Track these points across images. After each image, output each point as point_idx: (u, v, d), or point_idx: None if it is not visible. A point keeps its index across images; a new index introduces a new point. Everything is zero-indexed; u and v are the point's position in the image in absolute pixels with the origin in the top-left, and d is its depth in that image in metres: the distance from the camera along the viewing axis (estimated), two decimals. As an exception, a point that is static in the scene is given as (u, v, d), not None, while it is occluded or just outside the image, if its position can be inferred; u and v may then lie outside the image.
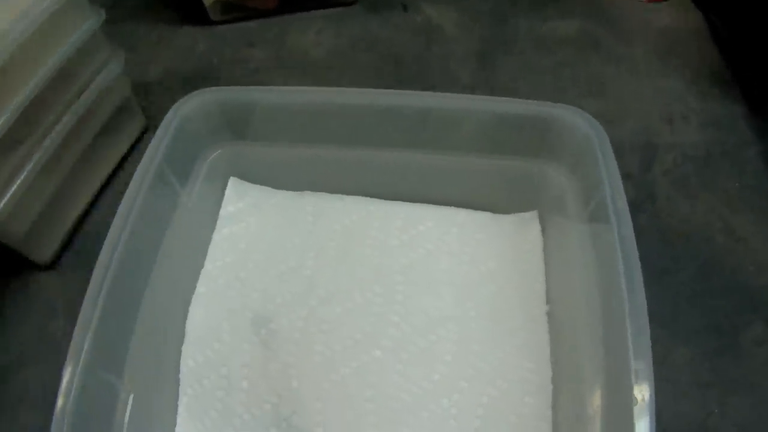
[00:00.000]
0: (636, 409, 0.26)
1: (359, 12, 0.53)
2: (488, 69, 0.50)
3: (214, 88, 0.36)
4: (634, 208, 0.42)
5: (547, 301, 0.36)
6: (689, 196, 0.44)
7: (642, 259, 0.38)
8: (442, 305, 0.35)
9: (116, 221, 0.31)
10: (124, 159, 0.45)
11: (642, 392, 0.26)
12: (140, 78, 0.51)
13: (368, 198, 0.40)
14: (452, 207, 0.39)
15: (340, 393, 0.32)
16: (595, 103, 0.48)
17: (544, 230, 0.38)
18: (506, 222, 0.39)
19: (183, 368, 0.33)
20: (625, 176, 0.44)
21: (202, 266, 0.37)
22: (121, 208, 0.31)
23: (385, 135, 0.36)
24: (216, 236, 0.38)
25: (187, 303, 0.35)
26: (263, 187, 0.40)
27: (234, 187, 0.39)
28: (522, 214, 0.39)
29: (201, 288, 0.36)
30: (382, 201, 0.39)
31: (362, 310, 0.35)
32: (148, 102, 0.49)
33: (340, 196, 0.40)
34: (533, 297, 0.36)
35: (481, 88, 0.49)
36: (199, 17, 0.53)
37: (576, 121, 0.34)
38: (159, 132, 0.34)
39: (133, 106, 0.45)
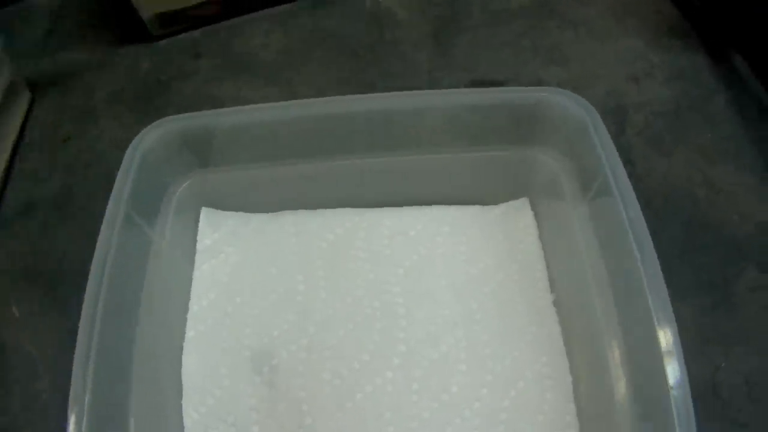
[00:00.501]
0: (673, 394, 0.25)
1: (305, 7, 0.51)
2: (445, 49, 0.49)
3: (172, 117, 0.33)
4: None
5: (552, 290, 0.35)
6: (665, 153, 0.43)
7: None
8: (445, 312, 0.34)
9: (91, 280, 0.28)
10: (22, 129, 0.47)
11: (674, 371, 0.26)
12: (85, 106, 0.48)
13: (351, 209, 0.38)
14: (440, 206, 0.38)
15: (357, 421, 0.31)
16: (559, 71, 0.47)
17: (538, 217, 0.37)
18: (497, 212, 0.37)
19: (186, 422, 0.31)
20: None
21: (187, 309, 0.35)
22: (94, 265, 0.29)
23: (361, 141, 0.34)
24: (197, 273, 0.36)
25: (179, 351, 0.33)
26: (238, 213, 0.38)
27: (207, 218, 0.37)
28: (512, 202, 0.37)
29: (190, 332, 0.34)
30: (367, 210, 0.38)
31: (364, 329, 0.34)
32: (98, 130, 0.46)
33: (321, 211, 0.38)
34: (537, 287, 0.35)
35: (440, 69, 0.48)
36: (139, 34, 0.50)
37: (564, 103, 0.32)
38: (120, 173, 0.32)
39: (18, 82, 0.48)
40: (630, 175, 0.42)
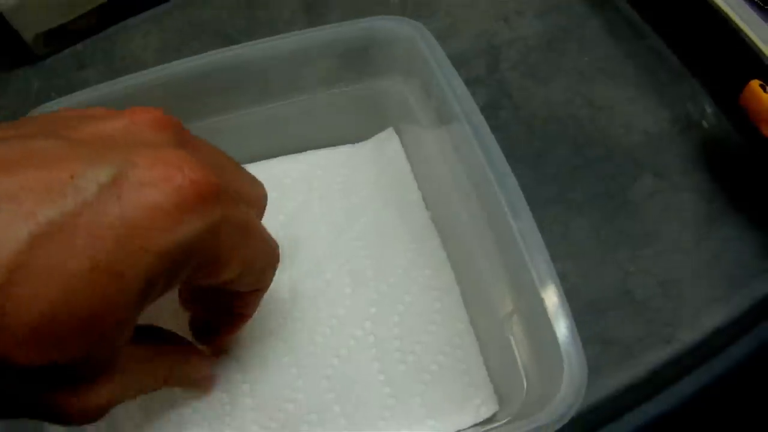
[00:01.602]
0: (544, 294, 0.26)
1: (180, 4, 0.52)
2: (317, 17, 0.50)
3: (40, 107, 0.35)
4: (493, 107, 0.43)
5: (428, 208, 0.36)
6: (542, 81, 0.45)
7: (514, 149, 0.39)
8: (327, 246, 0.35)
9: None
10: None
11: (541, 271, 0.27)
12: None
13: None
14: (311, 151, 0.38)
15: (255, 358, 0.31)
16: (428, 22, 0.47)
17: (405, 145, 0.38)
18: (368, 147, 0.38)
19: None
20: (475, 81, 0.44)
21: None
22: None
23: (222, 99, 0.35)
24: None
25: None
26: None
27: None
28: (379, 134, 0.39)
29: None
30: None
31: None
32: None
33: None
34: (413, 209, 0.36)
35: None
36: (25, 56, 0.50)
37: (398, 29, 0.34)
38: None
39: None
40: (508, 106, 0.43)
